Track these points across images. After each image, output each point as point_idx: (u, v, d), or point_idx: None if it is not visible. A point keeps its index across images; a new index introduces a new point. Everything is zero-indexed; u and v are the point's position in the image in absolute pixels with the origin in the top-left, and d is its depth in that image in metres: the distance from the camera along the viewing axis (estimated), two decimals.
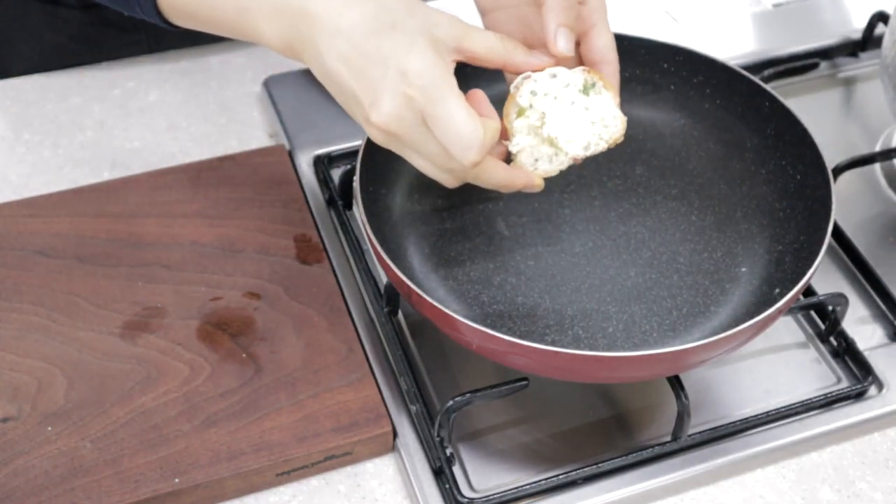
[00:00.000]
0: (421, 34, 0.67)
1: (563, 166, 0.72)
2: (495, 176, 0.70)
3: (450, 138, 0.66)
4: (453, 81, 0.67)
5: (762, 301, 0.78)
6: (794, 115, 0.83)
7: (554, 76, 0.71)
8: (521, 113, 0.71)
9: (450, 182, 0.71)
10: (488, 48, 0.69)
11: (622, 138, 0.72)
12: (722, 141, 0.88)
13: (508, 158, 0.72)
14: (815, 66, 1.06)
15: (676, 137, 0.89)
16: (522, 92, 0.71)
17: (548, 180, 0.78)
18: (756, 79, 0.86)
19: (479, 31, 0.70)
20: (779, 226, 0.83)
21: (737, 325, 0.71)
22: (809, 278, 0.73)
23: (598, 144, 0.71)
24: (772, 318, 0.73)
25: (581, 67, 0.72)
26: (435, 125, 0.67)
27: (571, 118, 0.71)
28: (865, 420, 0.81)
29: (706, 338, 0.71)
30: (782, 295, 0.73)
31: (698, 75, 0.88)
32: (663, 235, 0.84)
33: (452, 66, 0.68)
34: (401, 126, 0.67)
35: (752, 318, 0.71)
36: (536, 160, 0.72)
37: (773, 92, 0.85)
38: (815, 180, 0.81)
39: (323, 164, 0.93)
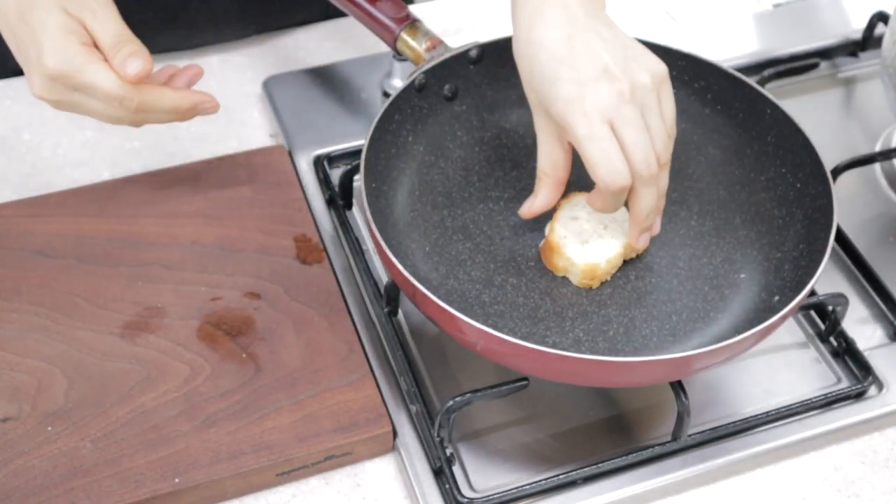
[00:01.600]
0: (56, 7, 0.75)
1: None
2: (162, 104, 0.79)
3: (105, 98, 0.77)
4: (87, 53, 0.76)
5: (761, 308, 0.78)
6: (796, 122, 0.83)
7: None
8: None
9: (133, 123, 0.80)
10: (105, 44, 0.77)
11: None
12: (722, 147, 0.88)
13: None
14: (815, 66, 1.06)
15: (676, 142, 0.88)
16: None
17: None
18: (758, 85, 0.85)
19: (104, 21, 0.77)
20: (777, 233, 0.83)
21: (736, 331, 0.71)
22: (813, 284, 0.73)
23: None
24: (775, 326, 0.72)
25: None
26: (88, 91, 0.76)
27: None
28: (865, 420, 0.81)
29: (706, 343, 0.71)
30: (782, 301, 0.73)
31: (699, 80, 0.88)
32: (662, 240, 0.84)
33: (87, 38, 0.76)
34: (56, 95, 0.77)
35: (751, 324, 0.71)
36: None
37: (775, 99, 0.84)
38: (816, 189, 0.81)
39: (323, 164, 0.93)
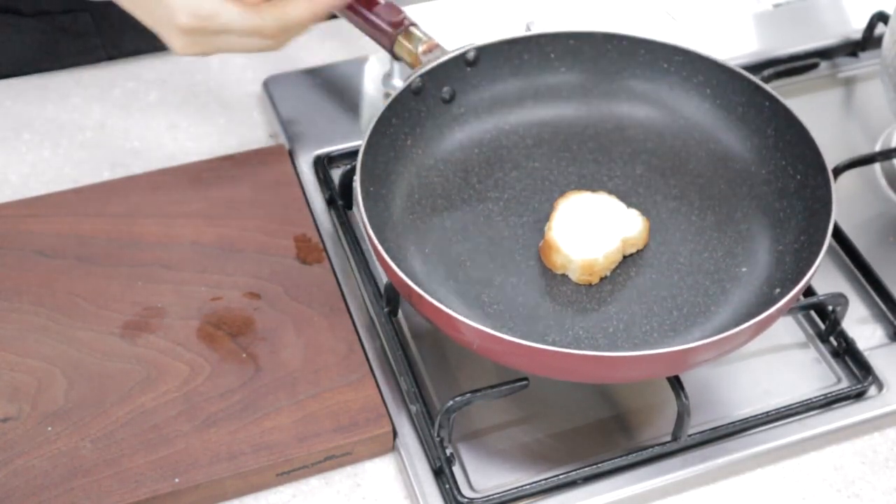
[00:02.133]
0: None
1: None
2: (296, 16, 0.78)
3: (244, 33, 0.77)
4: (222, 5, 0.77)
5: (762, 301, 0.78)
6: (794, 114, 0.83)
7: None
8: None
9: (276, 48, 0.80)
10: None
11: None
12: (722, 141, 0.88)
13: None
14: (815, 66, 1.06)
15: (676, 137, 0.89)
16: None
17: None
18: (756, 79, 0.86)
19: None
20: (779, 226, 0.83)
21: (737, 325, 0.71)
22: (810, 278, 0.73)
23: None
24: (772, 318, 0.73)
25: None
26: (227, 32, 0.77)
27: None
28: (865, 420, 0.81)
29: (706, 338, 0.71)
30: (783, 295, 0.73)
31: (698, 75, 0.88)
32: (663, 235, 0.84)
33: None
34: (198, 48, 0.79)
35: (752, 318, 0.71)
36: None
37: (773, 92, 0.85)
38: (815, 180, 0.81)
39: (323, 164, 0.93)
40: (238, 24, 0.77)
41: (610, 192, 0.85)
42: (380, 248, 0.74)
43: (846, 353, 0.84)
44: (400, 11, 0.88)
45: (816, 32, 1.09)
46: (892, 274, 0.89)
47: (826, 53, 1.08)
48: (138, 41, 1.04)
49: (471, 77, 0.88)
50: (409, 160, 0.86)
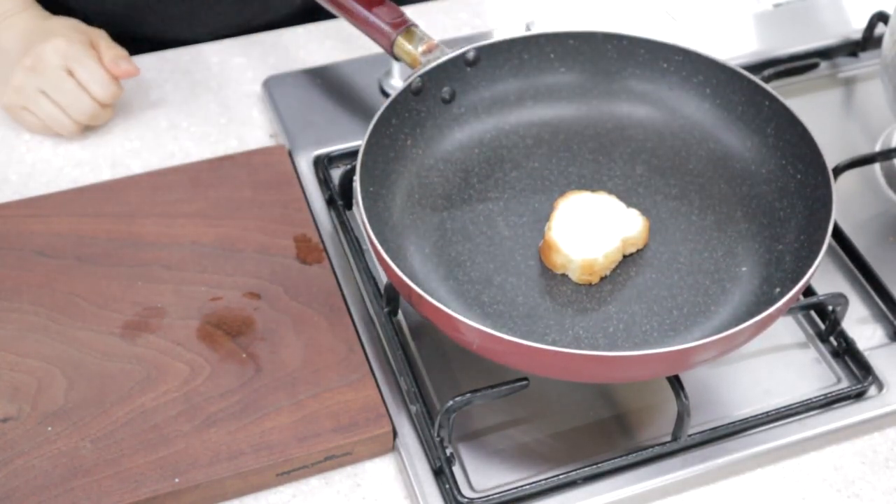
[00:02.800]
0: (71, 24, 0.96)
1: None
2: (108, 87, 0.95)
3: (92, 76, 0.93)
4: (89, 51, 0.94)
5: (762, 300, 0.78)
6: (794, 114, 0.83)
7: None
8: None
9: (71, 127, 0.95)
10: (101, 49, 0.95)
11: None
12: (722, 141, 0.88)
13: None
14: (815, 66, 1.06)
15: (676, 137, 0.89)
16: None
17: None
18: (756, 78, 0.86)
19: (105, 41, 0.96)
20: (779, 225, 0.83)
21: (737, 324, 0.71)
22: (810, 278, 0.73)
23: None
24: (772, 318, 0.73)
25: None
26: (82, 67, 0.93)
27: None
28: (865, 420, 0.81)
29: (706, 337, 0.71)
30: (783, 294, 0.73)
31: (698, 75, 0.88)
32: (663, 235, 0.84)
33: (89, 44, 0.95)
34: (44, 66, 0.92)
35: (752, 317, 0.71)
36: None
37: (773, 91, 0.85)
38: (816, 180, 0.81)
39: (323, 164, 0.93)
40: (95, 65, 0.93)
41: (610, 191, 0.85)
42: (379, 248, 0.74)
43: (846, 353, 0.84)
44: (400, 12, 0.88)
45: (816, 32, 1.09)
46: (892, 274, 0.89)
47: (826, 53, 1.08)
48: (157, 27, 1.05)
49: (471, 77, 0.88)
50: (409, 160, 0.86)
